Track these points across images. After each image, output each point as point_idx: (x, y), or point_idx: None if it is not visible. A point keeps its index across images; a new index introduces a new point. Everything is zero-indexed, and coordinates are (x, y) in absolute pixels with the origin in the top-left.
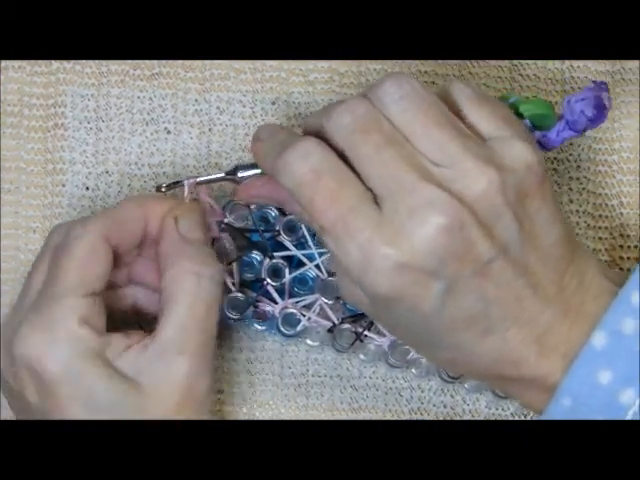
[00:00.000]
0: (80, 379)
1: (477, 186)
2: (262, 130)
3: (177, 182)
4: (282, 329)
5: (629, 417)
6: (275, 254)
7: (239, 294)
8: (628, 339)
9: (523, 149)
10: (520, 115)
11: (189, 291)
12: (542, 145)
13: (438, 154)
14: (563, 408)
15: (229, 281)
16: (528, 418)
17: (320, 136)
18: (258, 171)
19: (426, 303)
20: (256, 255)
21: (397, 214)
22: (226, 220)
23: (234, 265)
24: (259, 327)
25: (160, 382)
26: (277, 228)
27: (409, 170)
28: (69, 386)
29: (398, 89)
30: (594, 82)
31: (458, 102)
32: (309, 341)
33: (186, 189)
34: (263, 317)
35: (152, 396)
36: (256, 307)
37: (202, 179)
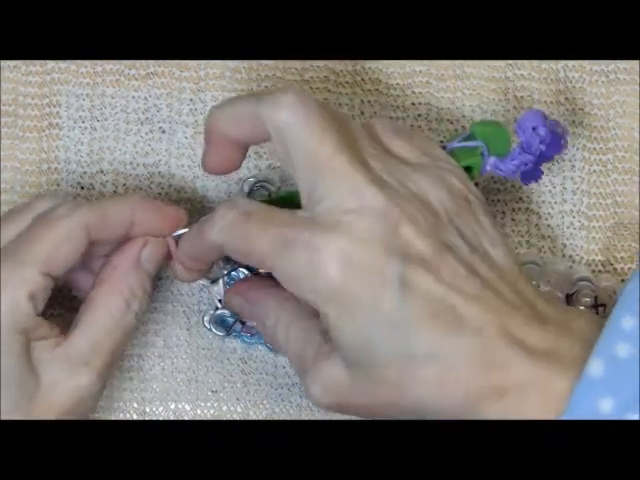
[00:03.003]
0: None
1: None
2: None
3: None
4: (268, 344)
5: None
6: (261, 270)
7: (226, 311)
8: (625, 364)
9: (441, 174)
10: (474, 137)
11: (113, 315)
12: (500, 172)
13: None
14: None
15: (216, 298)
16: None
17: None
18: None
19: (385, 295)
20: (243, 270)
21: (332, 214)
22: None
23: (220, 282)
24: (248, 340)
25: (57, 384)
26: None
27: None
28: None
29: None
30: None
31: (380, 134)
32: None
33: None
34: (250, 333)
35: (45, 393)
36: (243, 323)
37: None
